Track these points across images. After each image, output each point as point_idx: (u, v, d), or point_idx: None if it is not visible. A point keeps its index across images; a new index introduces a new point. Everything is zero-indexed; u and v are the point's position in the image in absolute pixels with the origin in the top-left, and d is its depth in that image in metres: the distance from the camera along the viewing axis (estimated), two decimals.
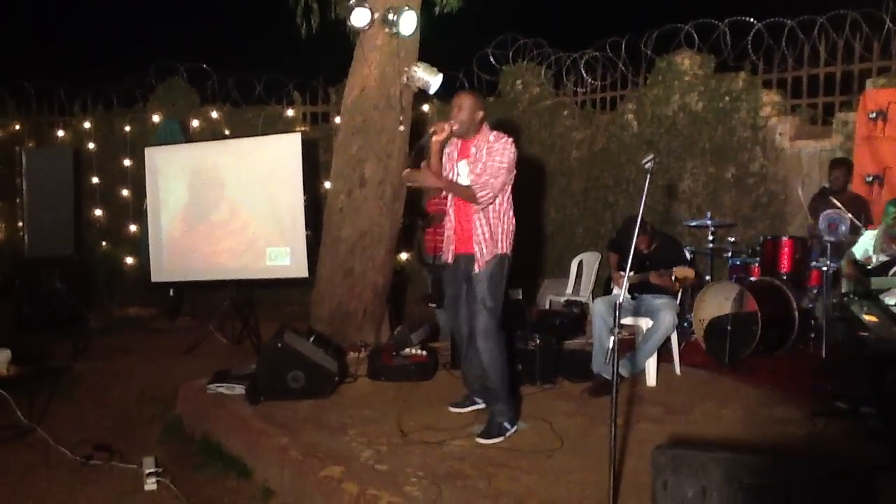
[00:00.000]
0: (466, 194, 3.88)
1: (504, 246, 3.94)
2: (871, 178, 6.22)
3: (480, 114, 3.97)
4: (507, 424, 3.89)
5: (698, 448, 2.78)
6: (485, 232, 3.88)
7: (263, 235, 6.72)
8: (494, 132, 3.97)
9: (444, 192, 4.23)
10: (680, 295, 5.34)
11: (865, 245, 5.16)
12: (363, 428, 4.00)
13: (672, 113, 7.42)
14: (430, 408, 4.36)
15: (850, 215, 5.39)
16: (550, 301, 7.05)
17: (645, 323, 5.01)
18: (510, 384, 4.04)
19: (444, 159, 4.04)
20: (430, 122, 8.60)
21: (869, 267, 5.01)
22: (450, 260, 4.12)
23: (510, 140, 3.92)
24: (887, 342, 3.95)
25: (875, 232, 5.06)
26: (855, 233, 5.30)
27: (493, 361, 3.89)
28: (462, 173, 3.97)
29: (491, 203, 3.88)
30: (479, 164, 3.88)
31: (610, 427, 2.92)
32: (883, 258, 4.89)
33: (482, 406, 4.22)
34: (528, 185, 8.62)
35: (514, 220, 4.00)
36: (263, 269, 6.76)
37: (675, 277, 4.87)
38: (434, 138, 3.91)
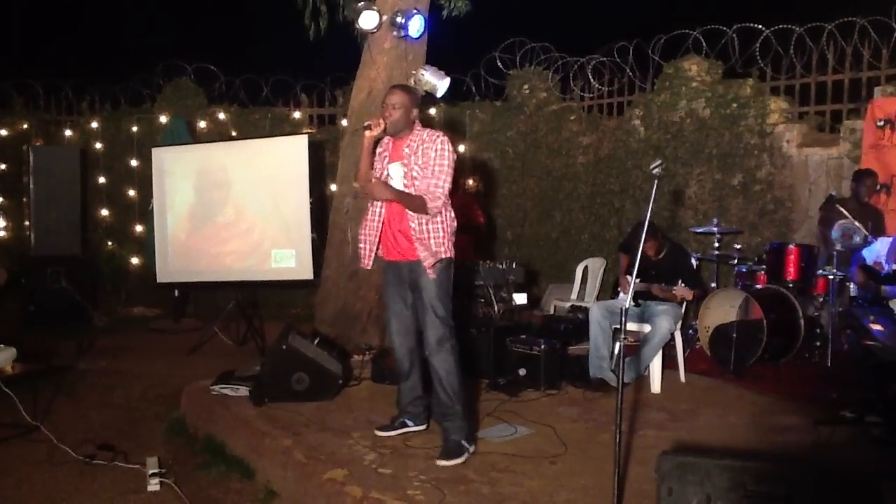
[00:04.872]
0: (417, 205, 3.59)
1: (449, 249, 3.67)
2: (878, 187, 6.19)
3: (415, 112, 3.72)
4: (465, 443, 3.60)
5: (703, 455, 2.77)
6: (428, 236, 3.61)
7: (269, 237, 6.72)
8: (427, 130, 3.72)
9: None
10: (685, 304, 5.34)
11: (877, 254, 5.14)
12: (367, 431, 3.99)
13: (679, 119, 7.41)
14: None
15: (859, 224, 5.36)
16: (555, 306, 7.03)
17: (648, 329, 5.01)
18: (465, 399, 3.75)
19: (374, 159, 3.80)
20: (436, 126, 8.63)
21: (882, 274, 4.99)
22: (369, 266, 3.85)
23: (446, 138, 3.67)
24: (893, 351, 3.95)
25: (887, 240, 5.05)
26: (866, 242, 5.27)
27: (448, 373, 3.64)
28: (395, 176, 3.70)
29: (441, 210, 3.63)
30: (416, 167, 3.62)
31: (614, 433, 2.91)
32: (894, 266, 4.87)
33: (414, 429, 3.96)
34: (534, 190, 8.69)
35: (455, 222, 3.74)
36: (268, 271, 6.76)
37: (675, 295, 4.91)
38: (368, 133, 3.66)
